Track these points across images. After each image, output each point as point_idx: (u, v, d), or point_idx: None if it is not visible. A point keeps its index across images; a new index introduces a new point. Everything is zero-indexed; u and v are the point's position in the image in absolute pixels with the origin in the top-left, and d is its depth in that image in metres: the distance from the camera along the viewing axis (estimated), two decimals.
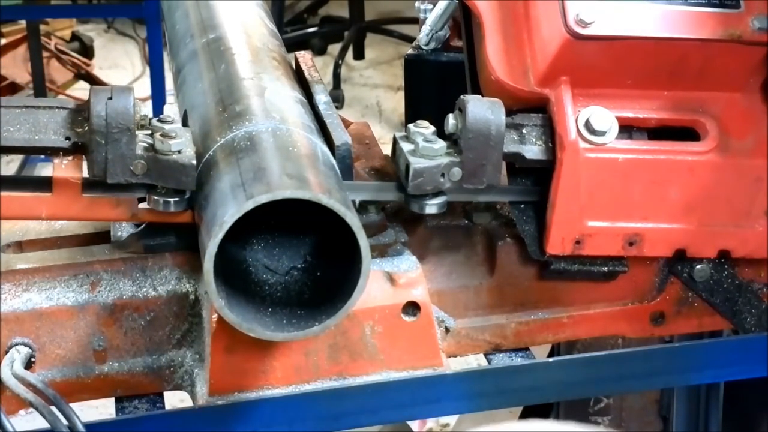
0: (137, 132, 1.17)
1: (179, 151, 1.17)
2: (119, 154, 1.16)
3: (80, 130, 1.18)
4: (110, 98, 1.16)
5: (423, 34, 1.63)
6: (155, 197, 1.19)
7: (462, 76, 1.45)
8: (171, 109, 1.29)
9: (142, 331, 1.25)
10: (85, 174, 1.19)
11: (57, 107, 1.19)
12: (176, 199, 1.19)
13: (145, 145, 1.18)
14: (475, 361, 1.45)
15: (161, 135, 1.17)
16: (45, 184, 1.20)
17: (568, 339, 1.41)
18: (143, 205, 1.21)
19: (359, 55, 5.60)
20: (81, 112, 1.19)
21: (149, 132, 1.19)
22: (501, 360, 1.36)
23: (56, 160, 1.19)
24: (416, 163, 1.23)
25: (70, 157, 1.19)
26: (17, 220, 1.29)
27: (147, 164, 1.17)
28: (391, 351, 1.25)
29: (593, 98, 1.28)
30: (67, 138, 1.18)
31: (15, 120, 1.18)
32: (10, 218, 1.23)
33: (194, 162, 1.17)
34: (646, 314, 1.40)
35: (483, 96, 1.28)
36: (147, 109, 1.21)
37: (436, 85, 1.64)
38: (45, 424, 1.11)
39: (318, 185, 1.10)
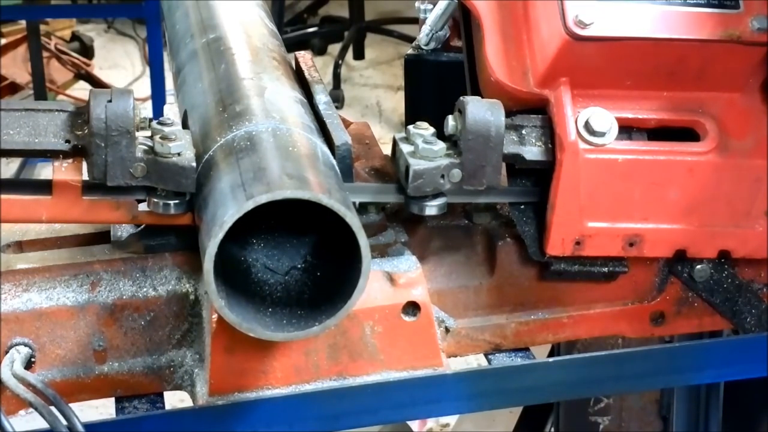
0: (137, 134, 1.17)
1: (179, 154, 1.17)
2: (119, 157, 1.16)
3: (80, 133, 1.18)
4: (110, 101, 1.16)
5: (423, 34, 1.63)
6: (155, 200, 1.19)
7: (462, 76, 1.45)
8: (171, 110, 1.30)
9: (142, 331, 1.25)
10: (85, 177, 1.19)
11: (57, 110, 1.20)
12: (176, 201, 1.19)
13: (145, 147, 1.18)
14: (475, 361, 1.45)
15: (161, 137, 1.18)
16: (45, 187, 1.20)
17: (568, 339, 1.41)
18: (143, 207, 1.21)
19: (359, 55, 5.60)
20: (81, 114, 1.19)
21: (149, 134, 1.19)
22: (501, 360, 1.36)
23: (56, 163, 1.19)
24: (416, 164, 1.23)
25: (70, 160, 1.19)
26: (17, 223, 1.29)
27: (147, 167, 1.17)
28: (391, 351, 1.25)
29: (593, 99, 1.28)
30: (67, 141, 1.18)
31: (15, 123, 1.18)
32: (11, 221, 1.23)
33: (194, 164, 1.17)
34: (646, 314, 1.40)
35: (482, 97, 1.28)
36: (147, 109, 1.21)
37: (436, 85, 1.64)
38: (45, 424, 1.11)
39: (318, 185, 1.10)
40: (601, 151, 1.27)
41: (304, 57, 1.44)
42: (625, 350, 1.34)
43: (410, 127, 1.27)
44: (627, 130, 1.30)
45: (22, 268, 1.24)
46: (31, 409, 1.15)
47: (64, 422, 1.11)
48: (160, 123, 1.20)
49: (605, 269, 1.34)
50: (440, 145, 1.25)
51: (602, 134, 1.27)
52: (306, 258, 1.21)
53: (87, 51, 5.38)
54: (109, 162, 1.16)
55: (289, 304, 1.16)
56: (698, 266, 1.35)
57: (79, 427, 1.11)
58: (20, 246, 1.32)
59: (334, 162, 1.23)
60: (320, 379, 1.24)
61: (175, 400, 1.35)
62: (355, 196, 1.25)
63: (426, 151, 1.24)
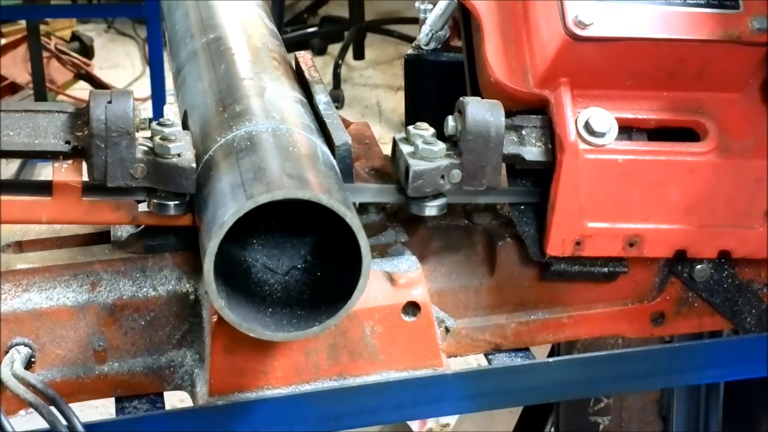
0: (137, 135, 1.18)
1: (179, 155, 1.17)
2: (119, 158, 1.16)
3: (80, 134, 1.18)
4: (110, 102, 1.16)
5: (423, 34, 1.63)
6: (155, 200, 1.19)
7: (462, 77, 1.45)
8: (171, 110, 1.30)
9: (142, 331, 1.25)
10: (85, 178, 1.19)
11: (57, 111, 1.20)
12: (176, 202, 1.19)
13: (145, 148, 1.18)
14: (475, 361, 1.45)
15: (161, 138, 1.18)
16: (45, 188, 1.20)
17: (568, 339, 1.41)
18: (143, 208, 1.21)
19: (359, 55, 5.60)
20: (81, 116, 1.19)
21: (149, 135, 1.19)
22: (501, 360, 1.36)
23: (56, 164, 1.19)
24: (416, 165, 1.23)
25: (70, 161, 1.19)
26: (17, 224, 1.29)
27: (147, 168, 1.17)
28: (391, 351, 1.25)
29: (593, 99, 1.28)
30: (67, 142, 1.18)
31: (15, 124, 1.18)
32: (11, 222, 1.23)
33: (194, 165, 1.17)
34: (646, 314, 1.40)
35: (482, 97, 1.28)
36: (147, 109, 1.21)
37: (436, 85, 1.64)
38: (45, 425, 1.11)
39: (318, 185, 1.10)
40: (601, 151, 1.27)
41: (304, 57, 1.44)
42: (625, 350, 1.34)
43: (410, 127, 1.27)
44: (627, 130, 1.30)
45: (22, 268, 1.24)
46: (31, 409, 1.15)
47: (64, 422, 1.11)
48: (160, 124, 1.20)
49: (605, 269, 1.34)
50: (440, 146, 1.25)
51: (602, 134, 1.27)
52: (306, 258, 1.21)
53: (87, 51, 5.38)
54: (109, 163, 1.17)
55: (289, 304, 1.16)
56: (698, 266, 1.36)
57: (79, 427, 1.11)
58: (20, 246, 1.32)
59: (334, 162, 1.23)
60: (320, 379, 1.24)
61: (175, 400, 1.35)
62: (354, 196, 1.25)
63: (426, 151, 1.24)
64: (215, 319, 1.19)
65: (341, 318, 1.11)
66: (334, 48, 5.52)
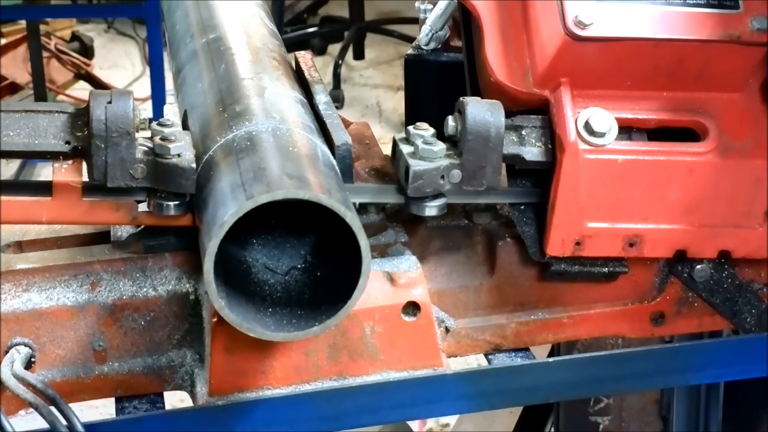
0: (137, 135, 1.18)
1: (179, 155, 1.17)
2: (119, 158, 1.16)
3: (80, 134, 1.18)
4: (110, 102, 1.16)
5: (423, 34, 1.63)
6: (155, 201, 1.19)
7: (462, 76, 1.45)
8: (171, 110, 1.30)
9: (142, 331, 1.25)
10: (85, 178, 1.19)
11: (57, 111, 1.20)
12: (176, 202, 1.19)
13: (145, 148, 1.18)
14: (475, 361, 1.45)
15: (161, 139, 1.18)
16: (45, 188, 1.20)
17: (568, 339, 1.41)
18: (143, 208, 1.21)
19: (359, 55, 5.61)
20: (81, 116, 1.19)
21: (149, 135, 1.20)
22: (501, 360, 1.36)
23: (56, 165, 1.19)
24: (416, 165, 1.23)
25: (70, 161, 1.19)
26: (18, 224, 1.29)
27: (147, 168, 1.17)
28: (391, 351, 1.25)
29: (593, 99, 1.28)
30: (67, 142, 1.18)
31: (15, 124, 1.18)
32: (11, 222, 1.23)
33: (194, 166, 1.17)
34: (646, 314, 1.40)
35: (482, 97, 1.28)
36: (147, 109, 1.21)
37: (436, 85, 1.64)
38: (45, 425, 1.11)
39: (318, 185, 1.10)
40: (601, 151, 1.27)
41: (304, 57, 1.44)
42: (625, 350, 1.35)
43: (410, 127, 1.27)
44: (627, 130, 1.30)
45: (22, 268, 1.25)
46: (31, 409, 1.15)
47: (64, 422, 1.11)
48: (160, 124, 1.20)
49: (605, 269, 1.34)
50: (440, 146, 1.25)
51: (602, 134, 1.27)
52: (306, 258, 1.21)
53: (87, 51, 5.38)
54: (109, 163, 1.17)
55: (289, 304, 1.16)
56: (698, 266, 1.36)
57: (79, 427, 1.11)
58: (20, 246, 1.32)
59: (334, 162, 1.23)
60: (320, 379, 1.24)
61: (175, 400, 1.35)
62: (354, 196, 1.24)
63: (426, 151, 1.24)
64: (215, 319, 1.19)
65: (341, 318, 1.11)
66: (334, 48, 5.52)
